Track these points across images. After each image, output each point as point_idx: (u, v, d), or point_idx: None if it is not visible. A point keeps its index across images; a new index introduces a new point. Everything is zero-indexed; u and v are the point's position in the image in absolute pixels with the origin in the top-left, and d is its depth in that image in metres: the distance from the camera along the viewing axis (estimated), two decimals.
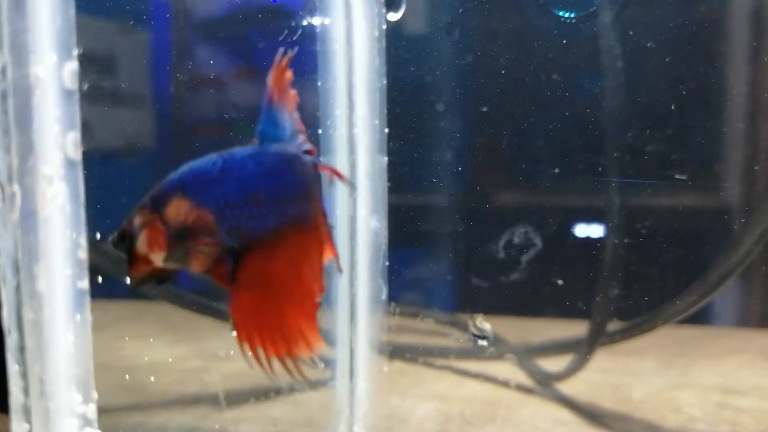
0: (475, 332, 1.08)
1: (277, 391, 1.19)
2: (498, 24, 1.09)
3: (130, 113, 1.20)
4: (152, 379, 1.20)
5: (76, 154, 0.46)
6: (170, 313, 1.35)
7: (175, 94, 1.09)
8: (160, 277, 0.54)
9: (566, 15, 1.03)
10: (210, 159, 0.53)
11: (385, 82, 0.91)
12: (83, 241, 0.46)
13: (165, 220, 0.51)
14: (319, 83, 0.90)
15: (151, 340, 1.38)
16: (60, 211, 0.46)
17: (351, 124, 0.90)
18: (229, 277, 0.53)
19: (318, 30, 0.90)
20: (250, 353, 0.56)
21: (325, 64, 0.90)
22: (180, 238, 0.52)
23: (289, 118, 0.56)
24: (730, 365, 1.30)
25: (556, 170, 1.16)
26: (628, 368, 1.27)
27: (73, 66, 0.45)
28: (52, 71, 0.45)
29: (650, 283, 1.20)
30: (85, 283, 0.46)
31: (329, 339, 0.99)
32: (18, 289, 0.46)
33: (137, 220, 0.50)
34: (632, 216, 1.17)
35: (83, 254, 0.46)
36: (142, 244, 0.50)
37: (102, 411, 0.59)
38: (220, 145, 0.54)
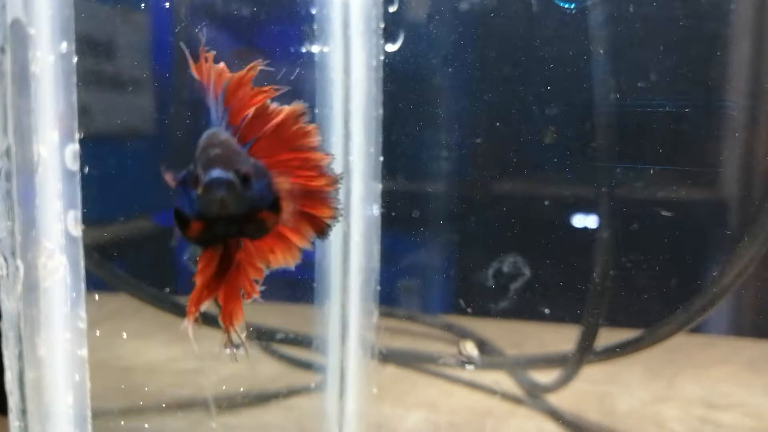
0: (463, 358, 1.11)
1: (272, 396, 1.22)
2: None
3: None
4: (147, 383, 1.22)
5: (77, 230, 0.48)
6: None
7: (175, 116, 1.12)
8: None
9: (566, 6, 1.05)
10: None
11: (381, 111, 0.93)
12: (82, 312, 0.49)
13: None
14: (317, 110, 0.92)
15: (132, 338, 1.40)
16: (61, 283, 0.49)
17: (347, 152, 0.93)
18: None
19: (317, 58, 0.92)
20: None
21: (322, 92, 0.92)
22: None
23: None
24: (715, 377, 1.32)
25: (546, 202, 1.18)
26: (616, 378, 1.30)
27: (74, 148, 0.48)
28: (54, 151, 0.48)
29: (643, 291, 1.22)
30: (84, 351, 0.49)
31: (322, 347, 1.02)
32: (20, 356, 0.48)
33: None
34: (626, 222, 1.19)
35: (83, 324, 0.49)
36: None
37: (96, 414, 0.61)
38: None
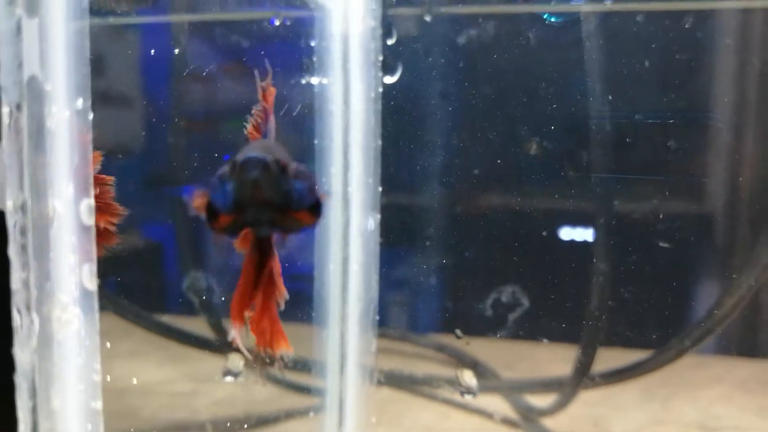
0: (462, 389, 1.13)
1: (269, 419, 1.23)
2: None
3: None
4: (142, 406, 1.23)
5: (92, 284, 0.49)
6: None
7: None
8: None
9: (552, 20, 1.07)
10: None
11: (380, 142, 0.94)
12: (97, 365, 0.50)
13: None
14: (316, 141, 0.94)
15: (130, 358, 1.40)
16: (75, 335, 0.49)
17: (346, 183, 0.94)
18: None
19: (316, 89, 0.93)
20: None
21: (321, 123, 0.93)
22: None
23: None
24: (709, 398, 1.34)
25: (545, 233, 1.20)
26: (611, 400, 1.31)
27: (89, 203, 0.49)
28: (70, 206, 0.48)
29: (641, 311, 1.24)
30: (98, 404, 0.50)
31: (320, 370, 1.03)
32: (34, 409, 0.49)
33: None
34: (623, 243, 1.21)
35: (96, 376, 0.50)
36: None
37: None
38: None
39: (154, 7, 1.08)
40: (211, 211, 0.58)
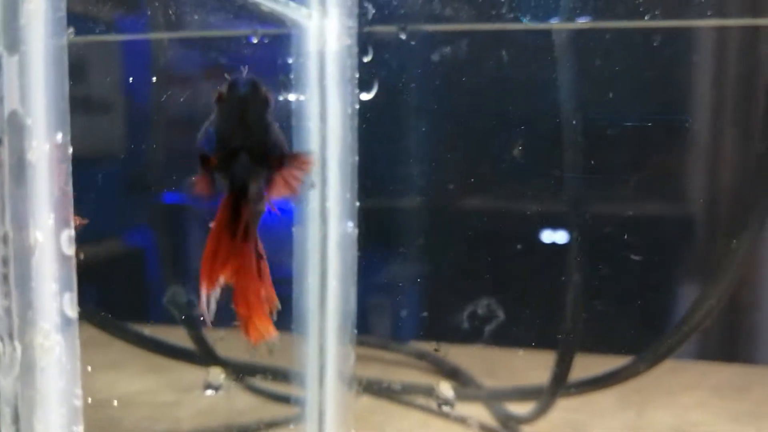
0: (440, 401, 1.15)
1: (249, 429, 1.24)
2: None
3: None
4: (123, 417, 1.23)
5: (72, 312, 0.51)
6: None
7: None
8: None
9: (529, 22, 1.09)
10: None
11: (356, 158, 0.97)
12: (78, 390, 0.52)
13: None
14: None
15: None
16: (56, 362, 0.51)
17: (324, 198, 0.96)
18: None
19: (293, 106, 0.95)
20: None
21: (299, 139, 0.95)
22: None
23: None
24: (684, 404, 1.36)
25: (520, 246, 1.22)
26: (590, 406, 1.33)
27: (69, 233, 0.51)
28: (50, 236, 0.50)
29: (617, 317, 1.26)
30: (80, 428, 0.52)
31: (300, 380, 1.05)
32: None
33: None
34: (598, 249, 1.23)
35: (78, 401, 0.51)
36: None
37: None
38: None
39: (135, 25, 1.10)
40: (203, 159, 0.61)
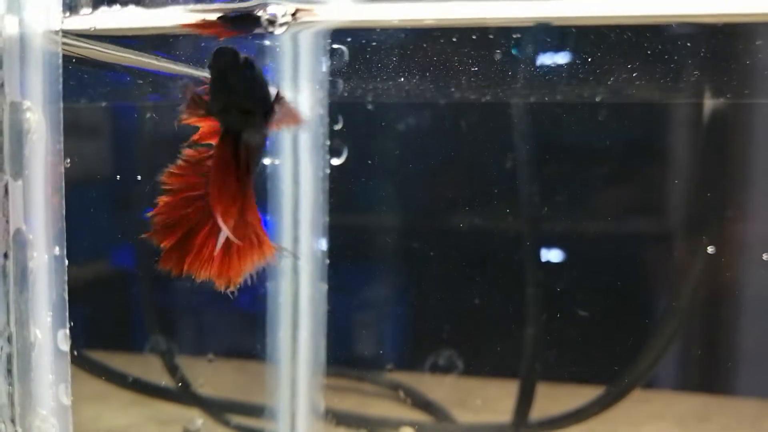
0: None
1: None
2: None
3: None
4: None
5: (67, 399, 0.60)
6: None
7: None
8: None
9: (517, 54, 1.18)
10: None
11: (327, 218, 1.06)
12: None
13: None
14: (268, 217, 1.05)
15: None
16: None
17: (295, 256, 1.05)
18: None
19: (268, 170, 1.04)
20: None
21: (273, 200, 1.04)
22: None
23: None
24: None
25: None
26: None
27: (65, 332, 0.60)
28: (48, 333, 0.60)
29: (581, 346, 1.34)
30: None
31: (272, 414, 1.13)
32: None
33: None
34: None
35: None
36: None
37: None
38: None
39: None
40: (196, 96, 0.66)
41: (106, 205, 1.29)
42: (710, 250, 1.25)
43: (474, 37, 0.78)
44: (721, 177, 1.30)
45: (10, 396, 0.59)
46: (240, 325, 1.45)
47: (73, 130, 0.66)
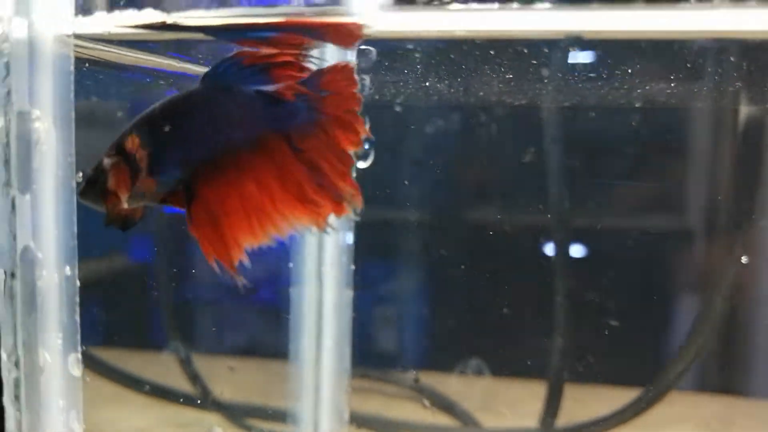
0: None
1: None
2: None
3: None
4: None
5: (79, 428, 0.57)
6: (138, 370, 1.43)
7: None
8: (126, 220, 0.61)
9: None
10: (158, 102, 0.62)
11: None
12: None
13: (127, 158, 0.59)
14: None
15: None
16: None
17: (320, 262, 1.02)
18: (185, 200, 0.61)
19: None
20: (215, 261, 0.61)
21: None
22: (139, 173, 0.59)
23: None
24: None
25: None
26: None
27: (77, 356, 0.56)
28: (58, 357, 0.56)
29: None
30: None
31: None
32: None
33: (106, 162, 0.57)
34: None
35: None
36: (112, 183, 0.57)
37: None
38: None
39: None
40: None
41: None
42: (744, 260, 1.22)
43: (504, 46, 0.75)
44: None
45: (18, 423, 0.56)
46: (263, 327, 1.43)
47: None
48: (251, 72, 0.62)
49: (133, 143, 0.59)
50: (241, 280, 0.61)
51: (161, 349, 1.41)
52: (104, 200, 0.58)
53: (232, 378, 1.38)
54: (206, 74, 0.62)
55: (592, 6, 0.63)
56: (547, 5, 0.62)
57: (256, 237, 0.61)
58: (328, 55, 0.76)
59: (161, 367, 1.44)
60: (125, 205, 0.59)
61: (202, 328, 1.47)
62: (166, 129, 0.61)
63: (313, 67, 0.62)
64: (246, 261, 0.61)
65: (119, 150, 0.59)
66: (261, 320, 1.43)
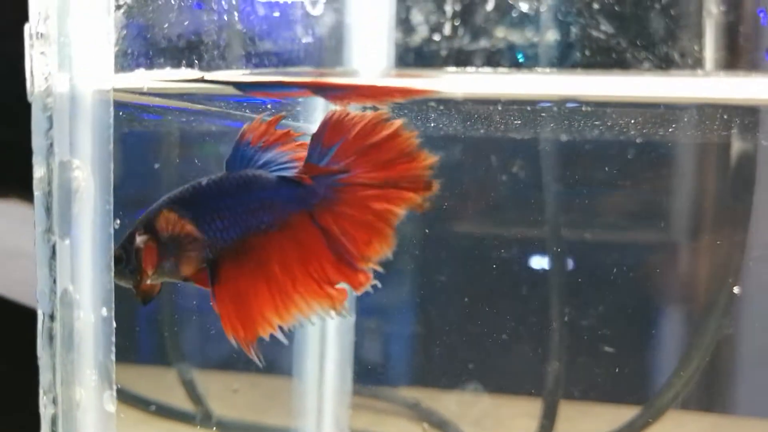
0: None
1: None
2: None
3: None
4: None
5: None
6: (132, 384, 1.45)
7: None
8: (146, 294, 0.63)
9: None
10: (190, 184, 0.65)
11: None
12: None
13: (156, 236, 0.62)
14: None
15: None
16: None
17: None
18: (209, 279, 0.64)
19: None
20: (234, 338, 0.64)
21: None
22: (169, 250, 0.63)
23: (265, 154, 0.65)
24: None
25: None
26: None
27: (111, 393, 0.59)
28: (93, 394, 0.59)
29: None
30: None
31: None
32: None
33: (138, 240, 0.61)
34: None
35: None
36: (141, 261, 0.60)
37: None
38: None
39: None
40: None
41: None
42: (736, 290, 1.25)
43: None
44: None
45: None
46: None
47: None
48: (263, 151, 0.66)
49: (164, 222, 0.63)
50: (257, 357, 0.64)
51: (163, 366, 1.42)
52: (132, 277, 0.62)
53: (234, 397, 1.40)
54: (228, 160, 0.65)
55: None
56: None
57: (281, 317, 0.64)
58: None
59: (160, 385, 1.45)
60: (149, 282, 0.63)
61: (205, 346, 1.49)
62: (197, 210, 0.64)
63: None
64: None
65: (148, 228, 0.62)
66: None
